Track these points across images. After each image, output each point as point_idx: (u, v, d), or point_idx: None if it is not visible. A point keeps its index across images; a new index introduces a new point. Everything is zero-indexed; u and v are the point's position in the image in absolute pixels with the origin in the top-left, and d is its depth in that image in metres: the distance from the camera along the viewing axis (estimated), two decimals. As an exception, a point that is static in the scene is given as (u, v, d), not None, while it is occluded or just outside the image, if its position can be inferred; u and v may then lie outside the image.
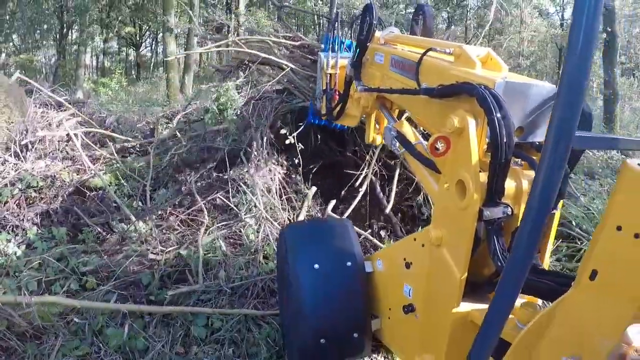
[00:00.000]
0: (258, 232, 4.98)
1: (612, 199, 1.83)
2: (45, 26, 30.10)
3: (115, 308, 4.03)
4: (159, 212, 5.44)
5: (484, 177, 2.21)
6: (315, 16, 20.13)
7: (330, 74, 4.12)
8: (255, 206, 5.23)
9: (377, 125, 3.97)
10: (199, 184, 5.85)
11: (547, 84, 2.35)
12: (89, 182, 6.00)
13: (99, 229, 5.31)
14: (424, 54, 2.74)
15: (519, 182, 2.31)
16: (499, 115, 2.11)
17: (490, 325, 1.91)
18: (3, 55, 26.74)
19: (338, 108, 4.05)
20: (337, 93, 4.09)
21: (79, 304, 4.01)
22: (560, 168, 1.66)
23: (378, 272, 3.11)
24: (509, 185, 2.26)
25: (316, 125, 5.22)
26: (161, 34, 29.46)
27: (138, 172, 6.18)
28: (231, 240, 4.99)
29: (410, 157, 2.84)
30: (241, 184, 5.50)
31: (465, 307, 2.38)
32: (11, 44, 29.59)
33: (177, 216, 5.39)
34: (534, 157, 2.31)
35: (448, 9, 32.38)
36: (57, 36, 31.44)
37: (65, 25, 30.52)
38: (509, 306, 1.84)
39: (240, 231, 5.04)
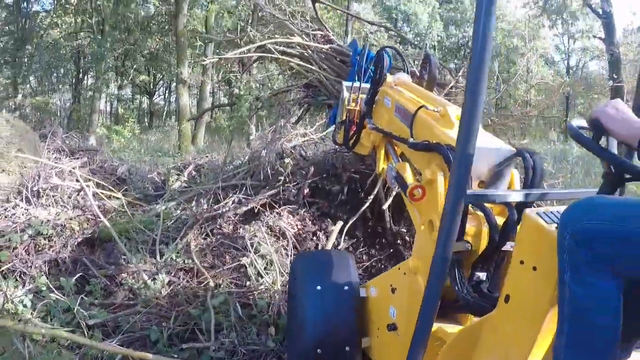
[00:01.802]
0: (270, 303, 4.96)
1: (517, 239, 2.39)
2: (62, 70, 30.58)
3: (126, 353, 4.01)
4: (168, 268, 5.43)
5: None
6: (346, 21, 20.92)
7: (350, 109, 4.33)
8: (267, 272, 5.24)
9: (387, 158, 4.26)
10: (208, 239, 5.86)
11: (506, 146, 2.96)
12: (98, 233, 6.01)
13: (107, 282, 5.31)
14: (417, 110, 3.21)
15: (479, 224, 2.79)
16: None
17: (421, 322, 2.49)
18: (19, 96, 27.10)
19: (354, 139, 4.36)
20: (354, 124, 4.32)
21: (90, 343, 4.05)
22: (456, 217, 2.31)
23: (371, 297, 3.52)
24: (470, 226, 2.76)
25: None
26: (174, 84, 29.93)
27: (148, 225, 6.18)
28: (242, 301, 4.97)
29: (405, 196, 3.19)
30: (249, 247, 5.52)
31: (435, 325, 2.74)
32: (28, 85, 30.01)
33: (187, 272, 5.39)
34: (489, 207, 2.79)
35: (456, 60, 32.88)
36: (73, 81, 31.98)
37: (81, 70, 31.08)
38: (433, 309, 2.45)
39: (251, 294, 5.04)
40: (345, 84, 4.60)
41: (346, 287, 3.56)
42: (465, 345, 2.59)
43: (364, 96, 4.22)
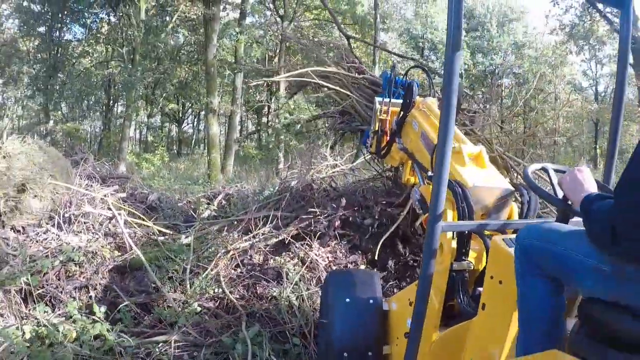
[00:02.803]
0: (302, 339, 4.95)
1: (488, 259, 2.94)
2: (92, 98, 31.00)
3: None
4: (198, 297, 5.42)
5: (454, 243, 3.25)
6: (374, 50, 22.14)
7: (382, 119, 4.95)
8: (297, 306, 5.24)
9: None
10: (239, 270, 5.85)
11: (506, 184, 3.48)
12: (129, 260, 6.02)
13: (137, 309, 5.31)
14: (436, 147, 3.52)
15: (480, 247, 3.37)
16: (463, 204, 3.23)
17: (413, 329, 2.99)
18: (51, 122, 27.52)
19: (384, 150, 5.00)
20: (386, 134, 4.91)
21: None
22: (434, 243, 2.83)
23: (392, 310, 3.96)
24: (474, 249, 3.34)
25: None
26: (203, 113, 30.23)
27: (178, 254, 6.19)
28: (274, 332, 4.98)
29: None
30: (285, 278, 5.52)
31: (443, 331, 3.30)
32: (59, 112, 30.44)
33: (217, 301, 5.38)
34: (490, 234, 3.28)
35: (483, 89, 32.83)
36: (104, 108, 32.38)
37: (111, 98, 31.47)
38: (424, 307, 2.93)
39: (283, 326, 5.02)
40: (377, 99, 5.15)
41: (371, 301, 4.00)
42: (454, 340, 3.12)
43: (395, 109, 4.85)
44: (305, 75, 7.72)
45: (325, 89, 7.52)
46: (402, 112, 4.65)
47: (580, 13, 26.71)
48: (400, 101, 4.83)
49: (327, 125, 8.07)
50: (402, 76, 5.22)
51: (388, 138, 4.90)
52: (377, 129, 5.07)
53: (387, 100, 4.93)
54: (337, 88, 7.28)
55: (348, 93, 7.01)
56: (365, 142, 5.67)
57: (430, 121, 4.20)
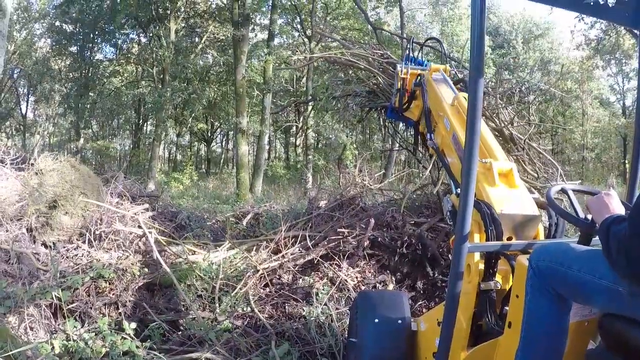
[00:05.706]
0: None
1: (514, 278, 2.95)
2: (122, 117, 31.39)
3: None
4: (227, 315, 5.41)
5: (482, 264, 3.26)
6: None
7: (403, 78, 5.45)
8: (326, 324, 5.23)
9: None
10: (267, 289, 5.85)
11: (534, 210, 3.40)
12: (159, 278, 6.04)
13: (166, 327, 5.31)
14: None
15: (508, 267, 3.29)
16: (491, 227, 3.23)
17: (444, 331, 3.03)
18: (81, 140, 27.92)
19: (405, 105, 5.44)
20: (407, 92, 5.39)
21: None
22: (460, 264, 2.91)
23: (421, 331, 3.94)
24: (501, 268, 3.30)
25: (392, 120, 6.91)
26: (232, 132, 30.38)
27: (207, 272, 6.20)
28: (303, 352, 4.95)
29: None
30: (314, 298, 5.51)
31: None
32: (90, 130, 30.86)
33: (246, 320, 5.37)
34: (516, 254, 3.17)
35: (509, 107, 32.52)
36: (133, 127, 32.80)
37: (141, 117, 31.86)
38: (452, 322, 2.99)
39: (313, 346, 5.00)
40: (399, 64, 5.79)
41: (399, 321, 3.99)
42: (482, 358, 3.12)
43: (414, 72, 5.37)
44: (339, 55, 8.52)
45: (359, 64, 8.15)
46: (419, 77, 5.16)
47: (605, 27, 26.49)
48: (416, 67, 5.47)
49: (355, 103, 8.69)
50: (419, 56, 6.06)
51: (408, 94, 5.36)
52: (399, 87, 5.53)
53: (405, 66, 5.51)
54: (366, 66, 7.94)
55: (374, 70, 7.71)
56: (389, 114, 6.16)
57: (462, 119, 4.16)
